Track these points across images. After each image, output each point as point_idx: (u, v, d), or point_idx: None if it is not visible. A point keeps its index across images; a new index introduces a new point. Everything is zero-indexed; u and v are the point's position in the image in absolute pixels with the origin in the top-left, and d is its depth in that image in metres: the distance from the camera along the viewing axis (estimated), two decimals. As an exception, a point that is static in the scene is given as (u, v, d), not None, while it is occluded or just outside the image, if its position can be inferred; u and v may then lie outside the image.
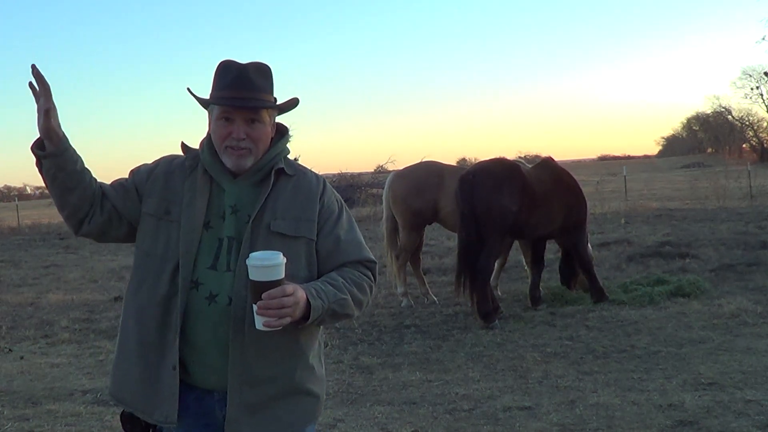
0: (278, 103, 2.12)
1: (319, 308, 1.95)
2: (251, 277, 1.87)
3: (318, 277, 2.07)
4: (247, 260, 1.88)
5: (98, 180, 2.13)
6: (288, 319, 1.87)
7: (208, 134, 2.13)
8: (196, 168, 2.11)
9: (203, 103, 2.14)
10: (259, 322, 1.88)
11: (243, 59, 2.11)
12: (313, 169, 2.23)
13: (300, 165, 2.24)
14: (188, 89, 2.13)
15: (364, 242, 2.19)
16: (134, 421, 2.11)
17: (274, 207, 2.06)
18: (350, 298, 2.05)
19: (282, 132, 2.18)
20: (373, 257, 2.20)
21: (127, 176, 2.19)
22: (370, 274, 2.16)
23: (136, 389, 2.06)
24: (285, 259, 1.89)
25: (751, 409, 4.40)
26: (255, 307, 1.87)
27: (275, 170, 2.10)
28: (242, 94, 2.02)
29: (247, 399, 2.01)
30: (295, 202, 2.09)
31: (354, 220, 2.22)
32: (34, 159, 2.01)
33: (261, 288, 1.85)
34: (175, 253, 2.03)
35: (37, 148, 1.98)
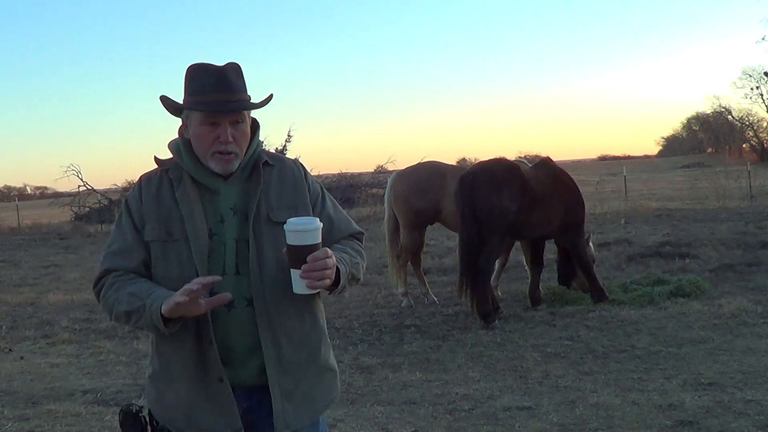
0: (257, 101, 2.10)
1: (345, 272, 2.04)
2: (290, 242, 1.91)
3: None
4: (285, 226, 1.92)
5: (137, 267, 2.07)
6: (328, 282, 1.94)
7: (185, 141, 2.09)
8: (181, 178, 2.07)
9: (177, 109, 2.09)
10: (301, 286, 1.92)
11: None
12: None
13: (276, 154, 2.26)
14: (162, 97, 2.08)
15: (349, 217, 2.31)
16: (135, 420, 2.12)
17: (268, 199, 2.09)
18: (360, 263, 2.19)
19: (255, 126, 2.18)
20: (360, 229, 2.32)
21: (119, 225, 2.11)
22: (361, 244, 2.30)
23: (192, 412, 2.05)
24: (321, 224, 1.96)
25: (751, 409, 4.40)
26: (296, 271, 1.91)
27: (262, 163, 2.12)
28: (227, 96, 2.01)
29: (286, 388, 2.06)
30: (284, 190, 2.13)
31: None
32: (160, 322, 1.92)
33: (302, 252, 1.89)
34: (191, 270, 2.00)
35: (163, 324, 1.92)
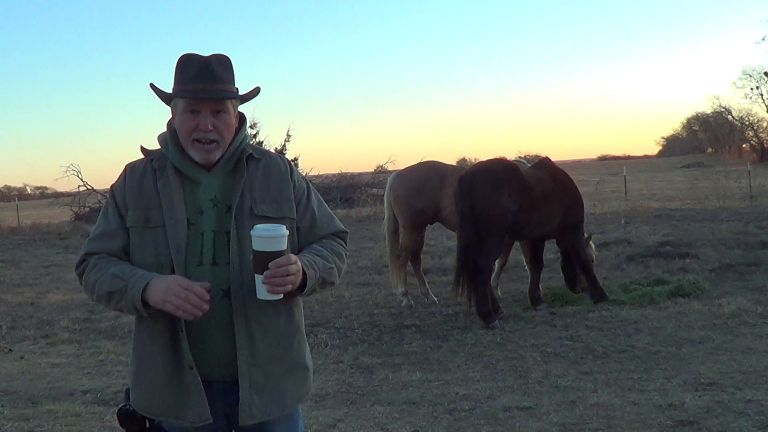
0: (240, 93, 2.14)
1: (313, 277, 2.05)
2: (256, 248, 1.93)
3: (297, 253, 2.12)
4: (251, 231, 1.94)
5: (115, 250, 2.10)
6: (290, 287, 1.96)
7: (171, 130, 2.14)
8: (165, 168, 2.10)
9: (166, 97, 2.14)
10: (263, 291, 1.95)
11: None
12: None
13: (263, 148, 2.28)
14: (151, 85, 2.13)
15: (333, 214, 2.31)
16: (132, 418, 2.14)
17: (252, 192, 2.11)
18: (335, 267, 2.18)
19: (241, 120, 2.21)
20: (344, 227, 2.32)
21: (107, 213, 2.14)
22: (344, 243, 2.29)
23: (164, 397, 2.08)
24: (288, 231, 1.97)
25: (751, 409, 4.40)
26: (259, 276, 1.94)
27: (246, 157, 2.14)
28: (207, 86, 2.05)
29: (256, 380, 2.07)
30: (269, 184, 2.15)
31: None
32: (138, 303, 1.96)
33: (266, 258, 1.92)
34: (167, 257, 2.03)
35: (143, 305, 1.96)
